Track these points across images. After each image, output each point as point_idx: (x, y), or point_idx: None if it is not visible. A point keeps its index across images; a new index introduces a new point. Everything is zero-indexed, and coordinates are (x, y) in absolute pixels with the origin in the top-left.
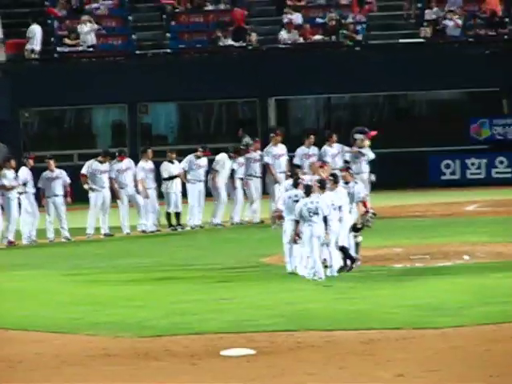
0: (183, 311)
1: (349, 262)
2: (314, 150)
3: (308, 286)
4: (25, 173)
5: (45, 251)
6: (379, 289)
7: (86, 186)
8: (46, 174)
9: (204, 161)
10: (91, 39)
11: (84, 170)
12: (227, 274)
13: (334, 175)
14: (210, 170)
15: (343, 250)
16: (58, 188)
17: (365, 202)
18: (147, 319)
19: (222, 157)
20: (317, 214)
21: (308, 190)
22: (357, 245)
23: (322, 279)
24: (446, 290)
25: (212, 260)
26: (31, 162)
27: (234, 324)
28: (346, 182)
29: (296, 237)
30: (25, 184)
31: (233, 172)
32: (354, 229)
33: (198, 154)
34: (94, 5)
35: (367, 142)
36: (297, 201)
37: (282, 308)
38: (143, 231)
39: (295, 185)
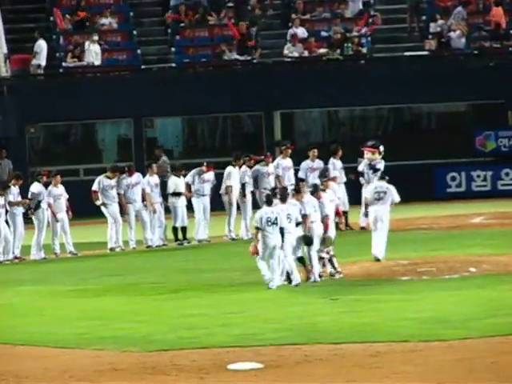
0: (190, 325)
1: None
2: (318, 163)
3: (315, 299)
4: (39, 188)
5: (51, 266)
6: (386, 302)
7: (98, 203)
8: (52, 190)
9: (209, 175)
10: (97, 57)
11: (95, 187)
12: (234, 288)
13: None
14: (224, 186)
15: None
16: (64, 204)
17: (327, 220)
18: (154, 333)
19: (229, 170)
20: (275, 224)
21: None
22: (330, 259)
23: (273, 288)
24: (453, 303)
25: (219, 274)
26: (45, 178)
27: (241, 338)
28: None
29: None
30: (39, 201)
31: (244, 186)
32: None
33: (203, 168)
34: (102, 20)
35: (376, 156)
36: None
37: (289, 321)
38: (148, 246)
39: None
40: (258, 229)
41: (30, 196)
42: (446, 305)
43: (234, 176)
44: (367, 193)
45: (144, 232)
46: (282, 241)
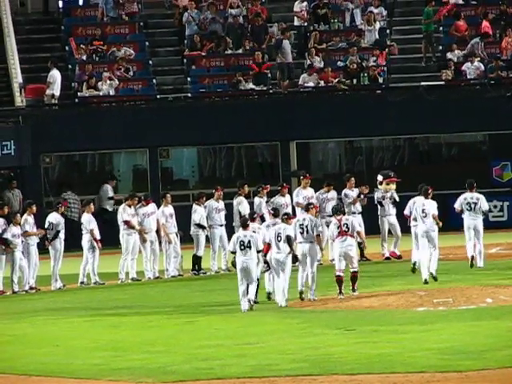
0: (205, 356)
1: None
2: (332, 194)
3: (330, 330)
4: (57, 218)
5: (66, 297)
6: (402, 332)
7: (137, 227)
8: (92, 217)
9: (222, 204)
10: (111, 92)
11: (125, 217)
12: (249, 319)
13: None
14: (236, 218)
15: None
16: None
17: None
18: (169, 364)
19: (238, 200)
20: (248, 247)
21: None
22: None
23: (244, 311)
24: (469, 333)
25: (235, 305)
26: (63, 208)
27: (256, 369)
28: None
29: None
30: (58, 231)
31: (262, 217)
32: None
33: (215, 194)
34: (117, 53)
35: (393, 186)
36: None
37: (305, 352)
38: (157, 277)
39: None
40: (232, 252)
41: (46, 225)
42: (462, 336)
43: (244, 205)
44: (456, 204)
45: (154, 263)
46: (258, 260)
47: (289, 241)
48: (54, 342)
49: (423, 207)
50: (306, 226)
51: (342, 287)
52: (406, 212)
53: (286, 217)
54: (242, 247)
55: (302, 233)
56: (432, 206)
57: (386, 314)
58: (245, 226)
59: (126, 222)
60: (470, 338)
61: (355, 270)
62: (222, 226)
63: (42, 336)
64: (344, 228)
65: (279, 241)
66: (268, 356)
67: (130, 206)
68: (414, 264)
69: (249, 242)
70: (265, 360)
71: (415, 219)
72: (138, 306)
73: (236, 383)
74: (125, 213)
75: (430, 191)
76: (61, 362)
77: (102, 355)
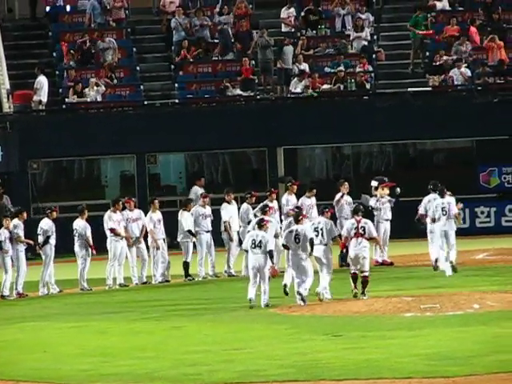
0: (193, 362)
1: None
2: (313, 199)
3: (318, 335)
4: (48, 224)
5: (53, 303)
6: (389, 338)
7: (122, 234)
8: (87, 224)
9: (209, 210)
10: (98, 98)
11: (110, 225)
12: (237, 325)
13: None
14: (224, 222)
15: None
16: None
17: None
18: (157, 370)
19: (223, 206)
20: (259, 246)
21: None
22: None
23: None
24: (457, 339)
25: (222, 310)
26: (54, 214)
27: (243, 374)
28: None
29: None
30: (48, 236)
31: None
32: None
33: (200, 201)
34: (102, 45)
35: (386, 191)
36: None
37: (292, 358)
38: (144, 283)
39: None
40: (245, 251)
41: (38, 231)
42: (450, 341)
43: (229, 211)
44: (431, 211)
45: (142, 269)
46: (272, 263)
47: (311, 243)
48: (42, 347)
49: (443, 206)
50: (321, 229)
51: (357, 283)
52: (421, 211)
53: (300, 218)
54: (253, 245)
55: (317, 236)
56: (452, 205)
57: (374, 320)
58: (260, 226)
59: (112, 230)
60: (457, 344)
61: (366, 274)
62: (208, 232)
63: (31, 342)
64: (360, 230)
65: (297, 242)
66: (256, 361)
67: (115, 212)
68: (436, 261)
69: (260, 241)
70: (252, 365)
71: (433, 219)
72: (125, 311)
73: None
74: (110, 220)
75: (445, 190)
76: (49, 367)
77: (89, 361)
